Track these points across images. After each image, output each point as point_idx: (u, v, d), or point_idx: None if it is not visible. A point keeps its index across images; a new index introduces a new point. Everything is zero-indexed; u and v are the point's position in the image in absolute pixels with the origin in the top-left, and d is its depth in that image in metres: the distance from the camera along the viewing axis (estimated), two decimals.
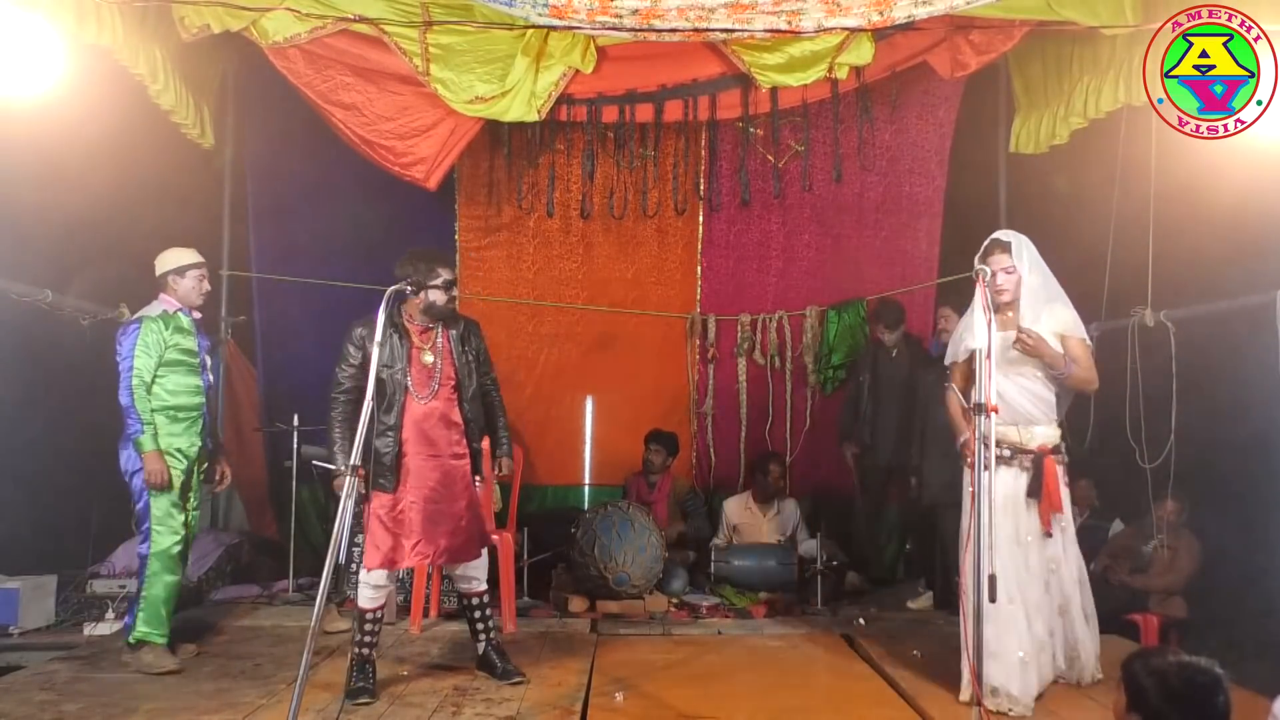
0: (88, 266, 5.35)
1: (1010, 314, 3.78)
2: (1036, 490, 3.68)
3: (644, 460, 6.41)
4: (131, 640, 4.16)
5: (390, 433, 3.88)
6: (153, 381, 4.24)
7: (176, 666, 4.13)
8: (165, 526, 4.24)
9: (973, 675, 3.24)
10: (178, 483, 4.27)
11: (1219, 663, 2.39)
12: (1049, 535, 3.73)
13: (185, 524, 4.32)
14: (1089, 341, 3.87)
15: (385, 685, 3.92)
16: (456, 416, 4.02)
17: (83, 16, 4.47)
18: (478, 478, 4.14)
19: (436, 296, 3.91)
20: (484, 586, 4.14)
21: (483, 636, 4.11)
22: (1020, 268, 3.75)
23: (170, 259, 4.43)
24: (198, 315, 4.49)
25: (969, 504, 3.61)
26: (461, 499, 3.99)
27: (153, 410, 4.23)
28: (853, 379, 6.47)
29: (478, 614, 4.12)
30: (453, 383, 4.02)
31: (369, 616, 3.88)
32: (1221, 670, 2.37)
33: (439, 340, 4.01)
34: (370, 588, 3.89)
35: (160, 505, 4.24)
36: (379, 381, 3.74)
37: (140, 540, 4.29)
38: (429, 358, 3.96)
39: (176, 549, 4.26)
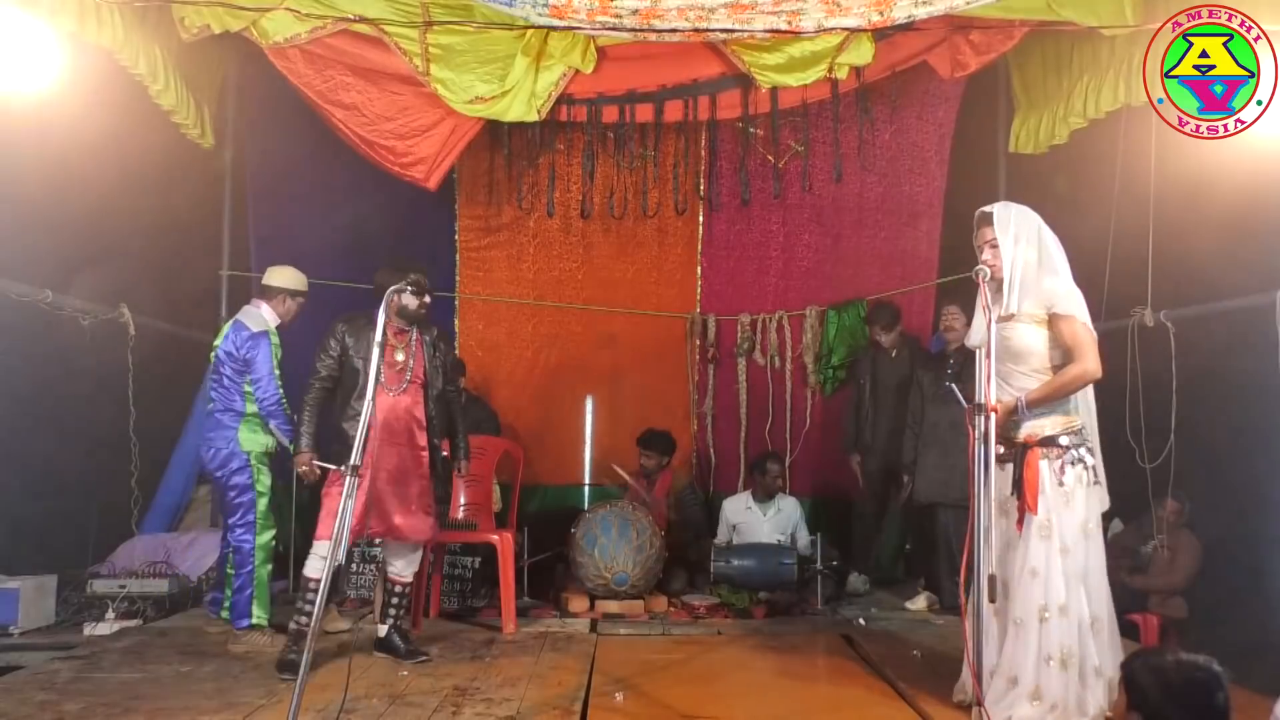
0: (88, 266, 5.35)
1: (1002, 294, 3.46)
2: (1017, 486, 3.43)
3: (639, 464, 6.40)
4: (254, 624, 4.55)
5: (360, 418, 4.02)
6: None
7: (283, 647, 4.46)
8: (268, 521, 4.65)
9: (973, 675, 3.23)
10: (275, 481, 4.70)
11: (1218, 661, 2.39)
12: (1019, 534, 3.41)
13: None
14: (1080, 317, 3.43)
15: (385, 685, 3.92)
16: (420, 413, 4.33)
17: (83, 16, 4.47)
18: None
19: (409, 301, 4.22)
20: (410, 579, 4.46)
21: (390, 620, 4.39)
22: (1005, 240, 3.45)
23: (289, 278, 4.83)
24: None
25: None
26: (415, 484, 4.28)
27: (252, 415, 4.62)
28: (853, 381, 6.47)
29: (395, 600, 4.42)
30: (421, 381, 4.34)
31: (312, 585, 4.07)
32: (1220, 668, 2.37)
33: (412, 341, 4.33)
34: (318, 558, 4.12)
35: (264, 503, 4.64)
36: (353, 370, 4.18)
37: (242, 532, 4.60)
38: (401, 355, 4.28)
39: (274, 541, 4.71)
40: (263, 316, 4.74)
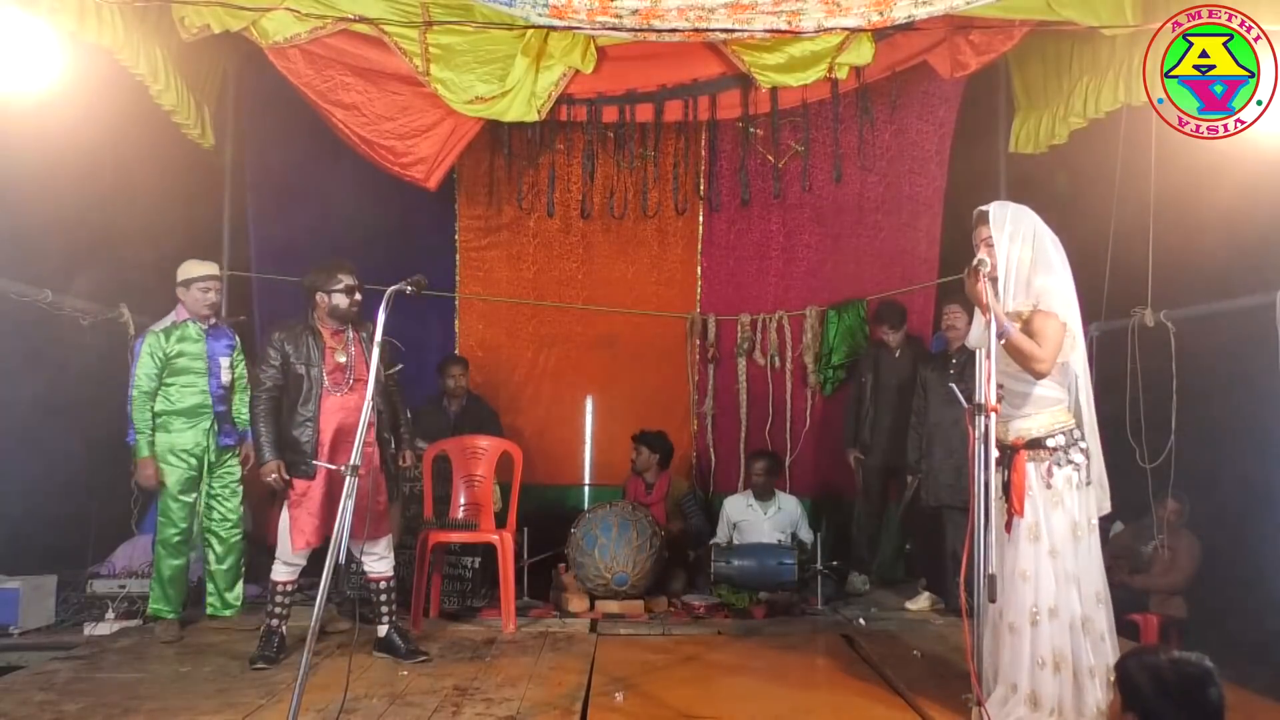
0: (88, 266, 5.35)
1: (998, 292, 3.42)
2: (1006, 489, 3.43)
3: (631, 461, 6.39)
4: (148, 611, 4.80)
5: (309, 423, 4.28)
6: (157, 390, 4.74)
7: (173, 639, 4.60)
8: (166, 518, 4.77)
9: (973, 675, 3.23)
10: (181, 478, 4.78)
11: (1211, 658, 2.39)
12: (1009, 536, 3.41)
13: (188, 515, 4.83)
14: (1061, 316, 3.39)
15: (385, 685, 3.93)
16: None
17: (83, 16, 4.47)
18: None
19: (339, 300, 4.30)
20: (390, 571, 4.48)
21: (386, 619, 4.42)
22: (1000, 238, 3.42)
23: (181, 271, 4.85)
24: (213, 321, 4.92)
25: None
26: (369, 481, 4.27)
27: (158, 414, 4.74)
28: (854, 380, 6.47)
29: (383, 597, 4.42)
30: (365, 379, 4.28)
31: (281, 589, 4.32)
32: (1212, 664, 2.38)
33: (350, 340, 4.38)
34: (284, 565, 4.31)
35: (163, 500, 4.77)
36: (296, 377, 4.26)
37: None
38: (342, 356, 4.34)
39: (176, 538, 4.78)
40: (172, 314, 4.91)
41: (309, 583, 5.59)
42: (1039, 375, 3.39)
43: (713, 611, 5.47)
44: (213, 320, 4.92)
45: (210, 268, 4.94)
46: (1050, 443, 3.42)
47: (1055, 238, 3.54)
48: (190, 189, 6.11)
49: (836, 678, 4.22)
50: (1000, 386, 3.40)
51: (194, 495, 4.85)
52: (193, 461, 4.82)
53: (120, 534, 5.63)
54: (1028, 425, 3.45)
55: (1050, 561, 3.36)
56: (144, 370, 4.70)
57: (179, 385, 4.78)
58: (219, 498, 4.96)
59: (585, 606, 5.45)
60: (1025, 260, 3.46)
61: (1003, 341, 3.32)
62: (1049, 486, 3.39)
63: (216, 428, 4.89)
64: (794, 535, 6.16)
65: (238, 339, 5.11)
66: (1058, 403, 3.46)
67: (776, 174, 6.50)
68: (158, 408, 4.75)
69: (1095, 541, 3.45)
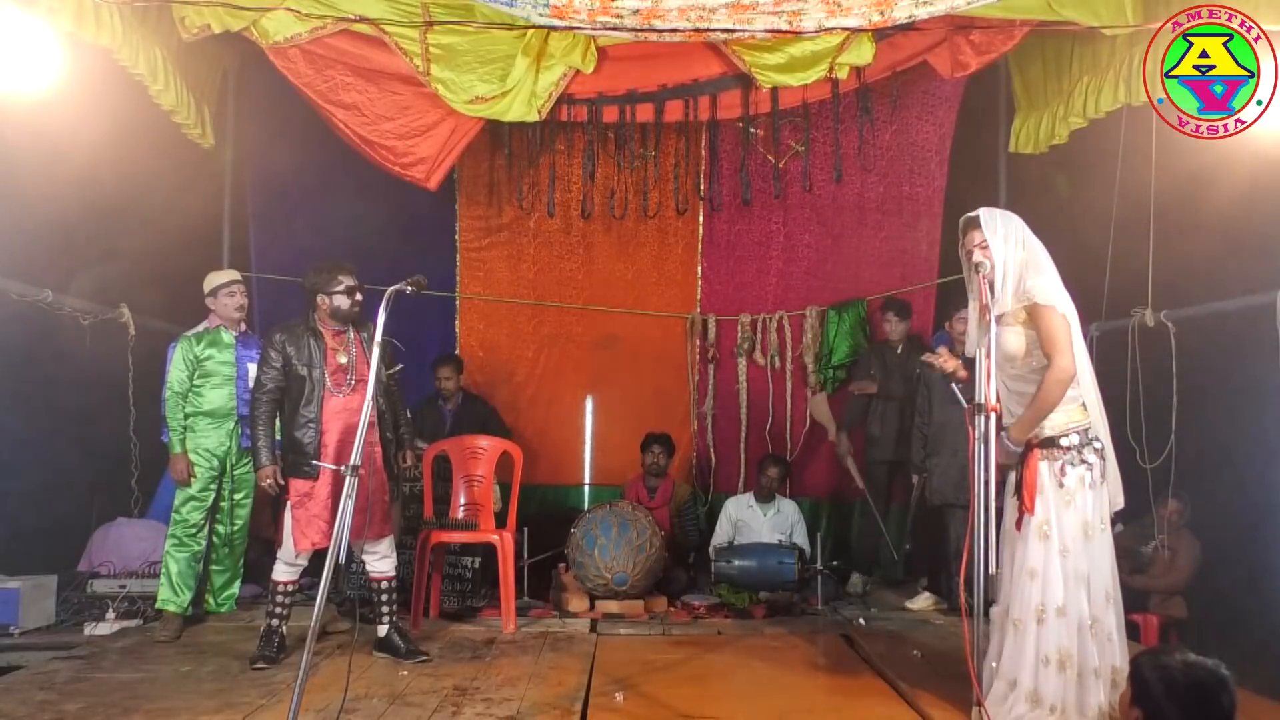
0: (88, 266, 5.35)
1: (995, 294, 3.44)
2: (1018, 487, 3.45)
3: (645, 464, 6.39)
4: (158, 605, 4.81)
5: (311, 424, 4.27)
6: (189, 391, 4.88)
7: (170, 637, 4.63)
8: (180, 514, 4.86)
9: (972, 674, 3.24)
10: (202, 477, 4.87)
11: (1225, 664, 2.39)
12: (1019, 532, 3.43)
13: (204, 513, 4.90)
14: (1059, 307, 3.38)
15: (385, 685, 3.93)
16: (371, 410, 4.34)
17: (82, 16, 4.47)
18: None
19: (340, 301, 4.31)
20: (392, 571, 4.48)
21: (386, 620, 4.41)
22: (994, 240, 3.44)
23: (206, 283, 5.03)
24: (244, 327, 5.05)
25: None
26: (374, 480, 4.28)
27: (189, 415, 4.87)
28: (861, 374, 6.39)
29: (384, 597, 4.42)
30: (366, 379, 4.27)
31: (282, 589, 4.32)
32: (1228, 672, 2.37)
33: (351, 341, 4.39)
34: (286, 565, 4.32)
35: (180, 496, 4.87)
36: (298, 379, 4.27)
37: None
38: (343, 357, 4.35)
39: (188, 534, 4.85)
40: (205, 321, 5.02)
41: (309, 583, 5.61)
42: (1071, 376, 3.36)
43: (713, 611, 5.47)
44: (243, 326, 5.06)
45: (231, 274, 5.14)
46: (1064, 441, 3.40)
47: (1039, 242, 3.54)
48: (190, 189, 6.11)
49: (836, 678, 4.22)
50: (1006, 385, 3.42)
51: (211, 494, 4.93)
52: (215, 462, 4.91)
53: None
54: (1041, 424, 3.43)
55: (1060, 560, 3.35)
56: (175, 374, 4.86)
57: (208, 388, 4.90)
58: (234, 498, 5.07)
59: (585, 606, 5.46)
60: (1021, 261, 3.47)
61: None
62: (1061, 485, 3.38)
63: (240, 430, 4.96)
64: (791, 538, 6.16)
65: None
66: (1071, 401, 3.43)
67: (777, 174, 6.50)
68: (187, 409, 4.87)
69: (1107, 541, 3.44)
